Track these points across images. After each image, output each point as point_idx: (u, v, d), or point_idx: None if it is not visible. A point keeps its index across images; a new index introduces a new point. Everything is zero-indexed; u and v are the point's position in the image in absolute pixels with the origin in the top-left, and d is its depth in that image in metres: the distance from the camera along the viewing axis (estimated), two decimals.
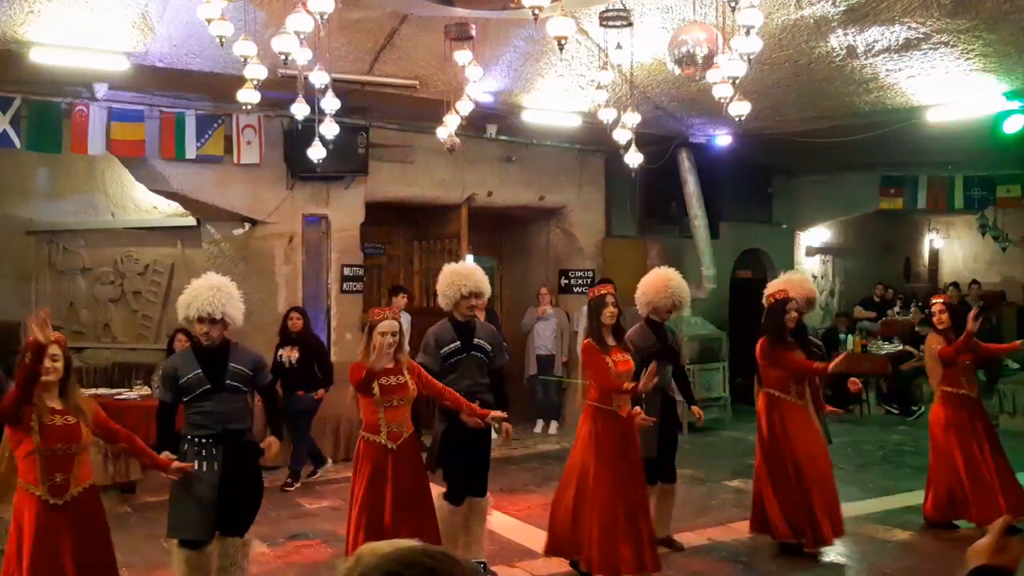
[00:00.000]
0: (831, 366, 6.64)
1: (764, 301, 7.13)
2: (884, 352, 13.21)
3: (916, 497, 8.08)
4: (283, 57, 5.42)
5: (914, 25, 7.89)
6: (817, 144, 11.01)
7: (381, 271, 12.19)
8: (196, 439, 5.26)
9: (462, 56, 7.18)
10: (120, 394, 8.97)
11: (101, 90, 8.62)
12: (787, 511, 6.71)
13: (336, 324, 10.40)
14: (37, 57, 7.56)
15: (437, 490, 6.97)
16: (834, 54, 8.53)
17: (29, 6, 7.07)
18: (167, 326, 10.43)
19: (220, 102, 8.98)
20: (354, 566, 1.47)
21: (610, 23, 7.17)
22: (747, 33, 5.33)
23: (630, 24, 7.17)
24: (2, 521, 6.91)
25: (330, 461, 9.16)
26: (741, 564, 6.63)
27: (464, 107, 7.45)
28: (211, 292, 5.32)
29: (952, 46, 8.24)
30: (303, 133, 8.33)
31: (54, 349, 4.58)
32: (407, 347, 6.05)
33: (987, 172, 13.65)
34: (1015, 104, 9.39)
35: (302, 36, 5.31)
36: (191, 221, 10.79)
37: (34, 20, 7.22)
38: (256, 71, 6.15)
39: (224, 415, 5.28)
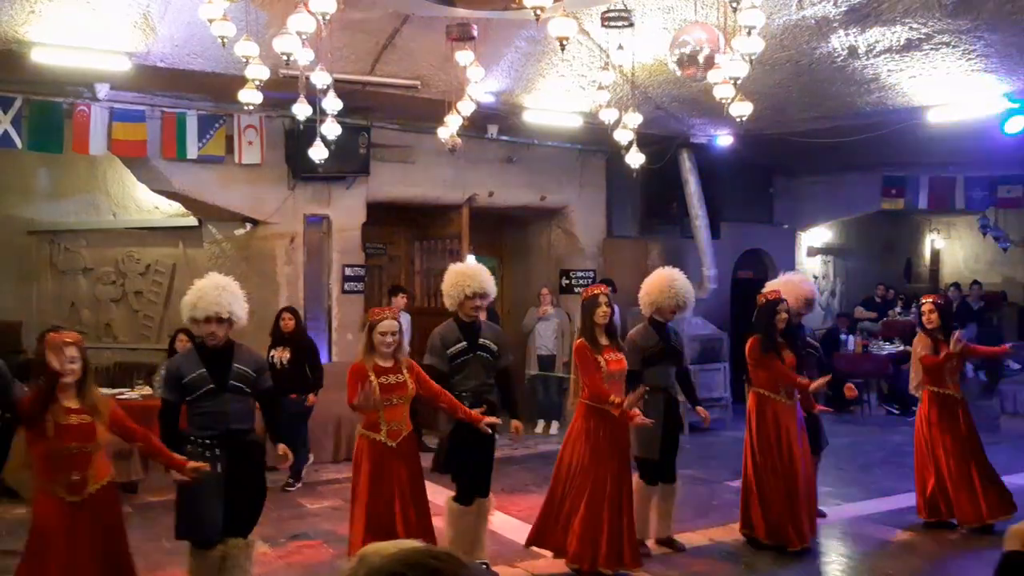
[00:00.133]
0: (813, 385, 6.79)
1: (756, 300, 7.18)
2: (885, 352, 13.21)
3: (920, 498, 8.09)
4: (285, 57, 5.42)
5: (915, 26, 7.89)
6: (818, 144, 11.01)
7: (382, 271, 12.18)
8: (200, 439, 5.25)
9: (463, 56, 7.19)
10: (121, 394, 8.95)
11: (103, 90, 8.62)
12: (769, 515, 6.77)
13: (337, 324, 10.40)
14: (38, 57, 7.56)
15: (439, 490, 6.98)
16: (835, 54, 8.53)
17: (31, 6, 7.07)
18: (168, 326, 10.44)
19: (221, 102, 8.98)
20: (358, 566, 1.47)
21: (611, 23, 7.17)
22: (748, 33, 5.33)
23: (631, 24, 7.17)
24: (3, 521, 6.95)
25: (311, 457, 9.08)
26: (743, 565, 6.63)
27: (465, 107, 7.46)
28: (217, 291, 5.32)
29: (953, 47, 8.24)
30: (304, 133, 8.34)
31: (72, 351, 4.65)
32: (407, 346, 6.08)
33: (988, 173, 13.65)
34: (1016, 105, 9.39)
35: (304, 36, 5.31)
36: (192, 221, 10.80)
37: (35, 20, 7.22)
38: (258, 71, 6.16)
39: (228, 415, 5.27)
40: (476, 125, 9.30)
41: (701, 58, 5.84)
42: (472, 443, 6.06)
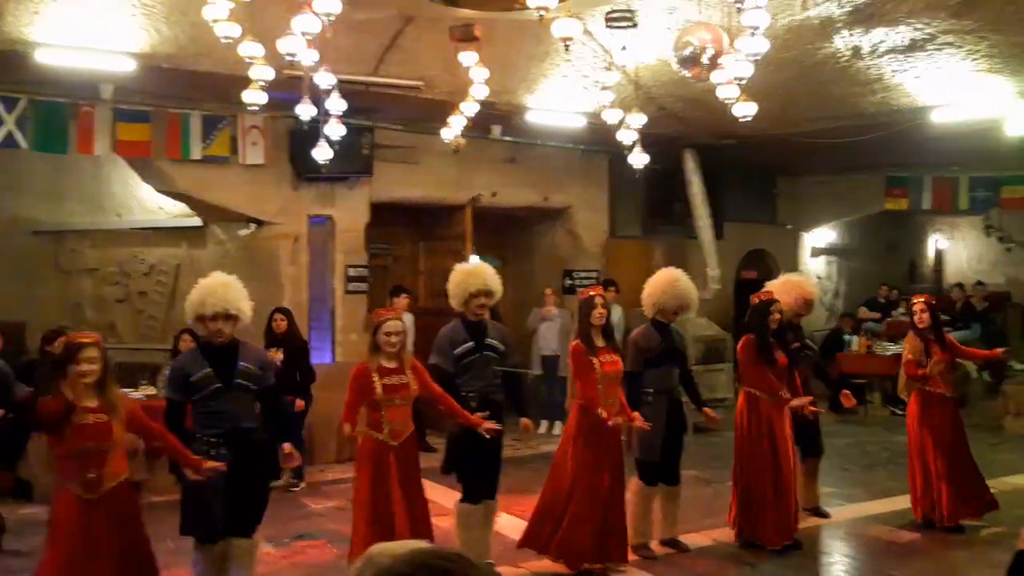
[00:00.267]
0: (793, 403, 6.83)
1: (750, 301, 7.23)
2: (889, 353, 13.18)
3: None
4: (289, 58, 5.43)
5: (919, 26, 7.89)
6: (822, 145, 11.01)
7: (386, 272, 12.19)
8: (206, 438, 5.26)
9: (467, 57, 7.19)
10: (125, 394, 8.97)
11: (107, 91, 8.63)
12: (750, 513, 6.85)
13: (341, 324, 10.40)
14: (43, 58, 7.58)
15: (445, 491, 6.99)
16: (839, 55, 8.52)
17: (34, 7, 7.09)
18: (172, 326, 10.44)
19: (225, 103, 8.99)
20: (364, 567, 1.47)
21: (615, 24, 7.17)
22: (753, 34, 5.32)
23: (635, 25, 7.17)
24: (9, 521, 6.95)
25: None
26: (747, 565, 6.63)
27: (469, 108, 7.46)
28: (223, 288, 5.34)
29: (957, 47, 8.23)
30: (308, 134, 8.34)
31: (92, 351, 4.71)
32: (410, 347, 6.09)
33: (992, 173, 13.62)
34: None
35: (308, 37, 5.32)
36: (197, 222, 10.81)
37: (39, 21, 7.24)
38: (262, 72, 6.17)
39: (234, 414, 5.28)
40: (479, 125, 9.30)
41: (705, 58, 5.84)
42: (477, 444, 6.06)
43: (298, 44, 5.37)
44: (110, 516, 4.70)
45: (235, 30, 5.58)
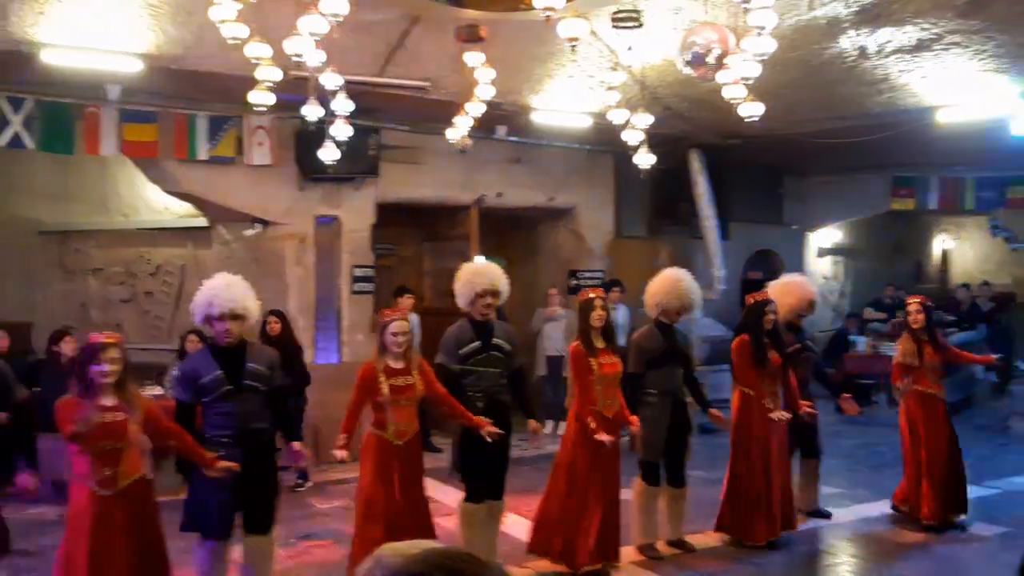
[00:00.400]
0: (774, 415, 6.84)
1: (746, 301, 7.29)
2: (895, 353, 13.14)
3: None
4: (296, 59, 5.43)
5: (926, 26, 7.87)
6: (828, 145, 10.98)
7: (391, 272, 12.19)
8: (217, 439, 5.28)
9: (473, 57, 7.19)
10: None
11: (113, 91, 8.64)
12: (738, 510, 6.92)
13: (347, 325, 10.40)
14: (48, 58, 7.59)
15: (449, 491, 6.99)
16: (846, 55, 8.51)
17: (40, 7, 7.10)
18: (178, 327, 10.45)
19: (232, 103, 8.99)
20: (374, 567, 1.47)
21: (621, 24, 7.16)
22: (759, 34, 5.31)
23: (641, 25, 7.16)
24: (16, 521, 6.96)
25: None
26: (753, 565, 6.62)
27: (475, 108, 7.46)
28: (230, 288, 5.36)
29: (964, 47, 8.21)
30: (314, 134, 8.35)
31: (113, 352, 4.77)
32: (416, 347, 6.10)
33: (998, 173, 13.59)
34: None
35: (315, 38, 5.32)
36: (203, 222, 10.82)
37: (45, 21, 7.25)
38: (269, 73, 6.17)
39: (244, 415, 5.30)
40: (485, 126, 9.30)
41: (711, 58, 5.84)
42: (482, 445, 6.06)
43: (305, 45, 5.38)
44: (126, 513, 4.76)
45: (242, 31, 5.58)
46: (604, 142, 11.14)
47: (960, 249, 18.17)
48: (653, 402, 6.69)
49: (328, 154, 7.81)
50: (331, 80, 6.57)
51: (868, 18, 7.84)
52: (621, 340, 10.38)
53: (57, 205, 11.55)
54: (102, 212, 11.56)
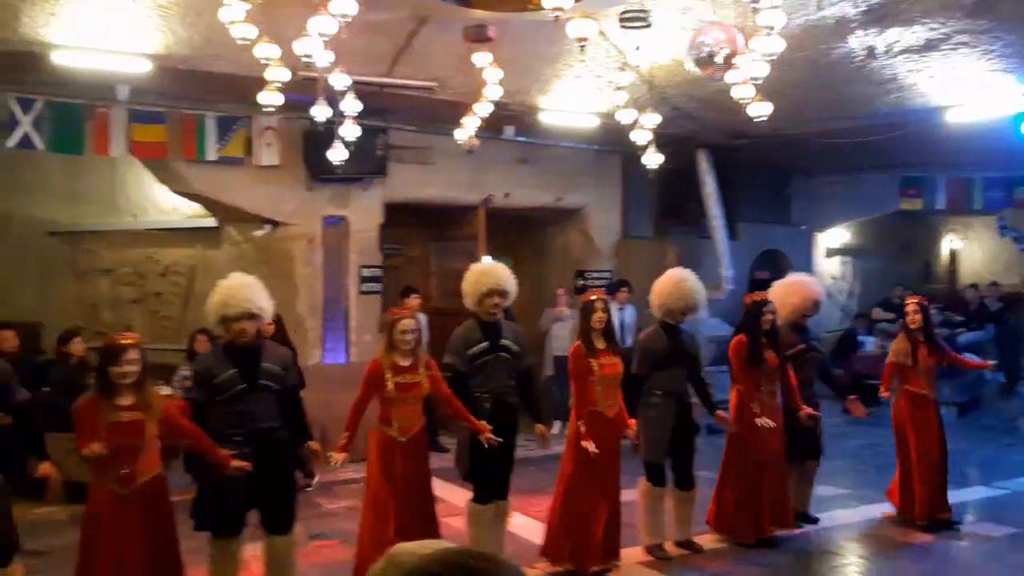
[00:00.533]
0: (759, 421, 6.84)
1: (744, 301, 7.32)
2: None
3: None
4: (305, 59, 5.45)
5: (934, 26, 7.86)
6: (836, 145, 10.97)
7: (398, 272, 12.21)
8: (230, 438, 5.30)
9: (481, 58, 7.20)
10: None
11: (123, 92, 8.67)
12: (726, 508, 6.99)
13: (355, 325, 10.42)
14: (59, 59, 7.62)
15: (456, 491, 7.00)
16: (854, 55, 8.49)
17: (51, 8, 7.13)
18: (188, 326, 10.48)
19: (241, 104, 9.02)
20: (387, 566, 1.47)
21: (629, 24, 7.16)
22: (768, 34, 5.31)
23: (649, 25, 7.16)
24: (23, 521, 6.99)
25: None
26: (760, 566, 6.62)
27: (482, 108, 7.47)
28: (245, 288, 5.40)
29: (972, 47, 8.20)
30: (323, 135, 8.36)
31: (133, 353, 4.87)
32: (424, 346, 6.13)
33: (1007, 173, 13.55)
34: None
35: (324, 39, 5.33)
36: (212, 222, 10.85)
37: (55, 22, 7.28)
38: (278, 73, 6.19)
39: (258, 414, 5.34)
40: (492, 126, 9.32)
41: (720, 58, 5.84)
42: (490, 445, 6.08)
43: (314, 45, 5.39)
44: (142, 509, 4.85)
45: (251, 31, 5.60)
46: (612, 142, 11.15)
47: (968, 249, 18.11)
48: (658, 403, 6.70)
49: (336, 154, 7.83)
50: (340, 80, 6.59)
51: (876, 18, 7.83)
52: (629, 341, 10.41)
53: (67, 206, 11.59)
54: (112, 213, 11.60)
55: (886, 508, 8.07)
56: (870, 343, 13.40)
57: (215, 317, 5.40)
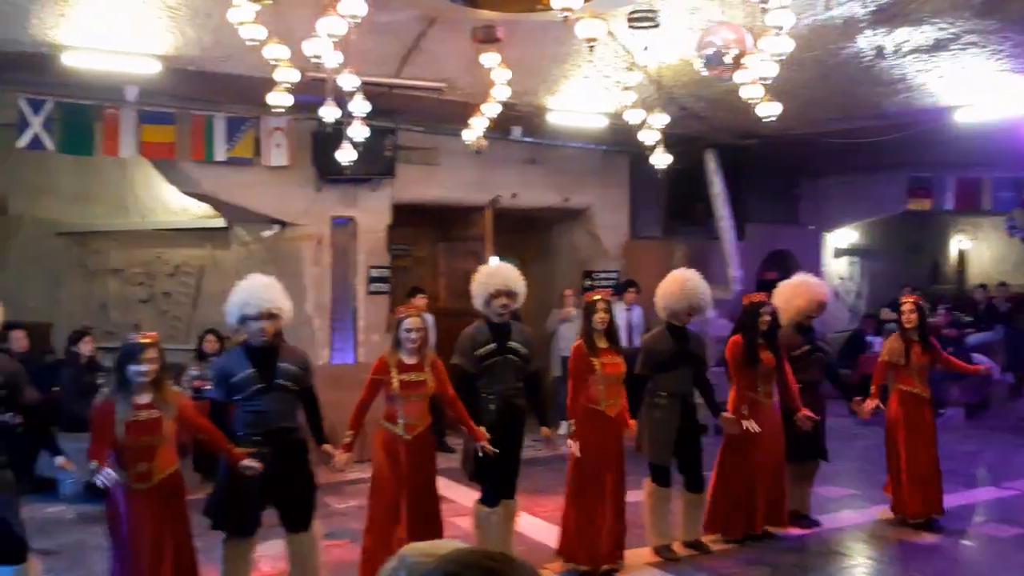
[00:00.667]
0: (751, 426, 6.85)
1: (743, 302, 7.34)
2: None
3: (944, 500, 8.03)
4: (315, 60, 5.46)
5: (943, 26, 7.84)
6: (844, 145, 10.96)
7: (406, 272, 12.22)
8: (248, 438, 5.35)
9: (489, 58, 7.21)
10: None
11: (132, 93, 8.70)
12: (719, 506, 7.00)
13: (363, 325, 10.44)
14: (68, 60, 7.64)
15: (463, 491, 7.01)
16: (863, 54, 8.48)
17: (60, 9, 7.15)
18: (197, 327, 10.51)
19: (249, 105, 9.04)
20: (398, 566, 1.47)
21: (637, 24, 7.16)
22: (778, 33, 5.31)
23: (657, 25, 7.16)
24: (33, 521, 7.02)
25: None
26: (768, 567, 6.62)
27: (490, 109, 7.48)
28: (265, 288, 5.46)
29: (981, 47, 8.18)
30: (331, 136, 8.38)
31: (152, 352, 4.93)
32: (431, 346, 6.15)
33: (1016, 173, 13.50)
34: None
35: (333, 39, 5.34)
36: (220, 223, 10.88)
37: (65, 23, 7.30)
38: (288, 74, 6.20)
39: (275, 414, 5.39)
40: (500, 127, 9.32)
41: (728, 58, 5.83)
42: (497, 445, 6.09)
43: (323, 46, 5.40)
44: (159, 505, 4.92)
45: (260, 32, 5.62)
46: (619, 142, 11.15)
47: (977, 249, 18.08)
48: (663, 405, 6.70)
49: (345, 155, 7.84)
50: (348, 81, 6.60)
51: (885, 18, 7.81)
52: (637, 341, 10.40)
53: (76, 206, 11.63)
54: (121, 213, 11.63)
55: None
56: (879, 344, 13.33)
57: (235, 316, 5.44)
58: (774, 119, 6.33)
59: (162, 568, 4.91)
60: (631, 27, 7.22)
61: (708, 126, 10.99)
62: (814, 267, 13.58)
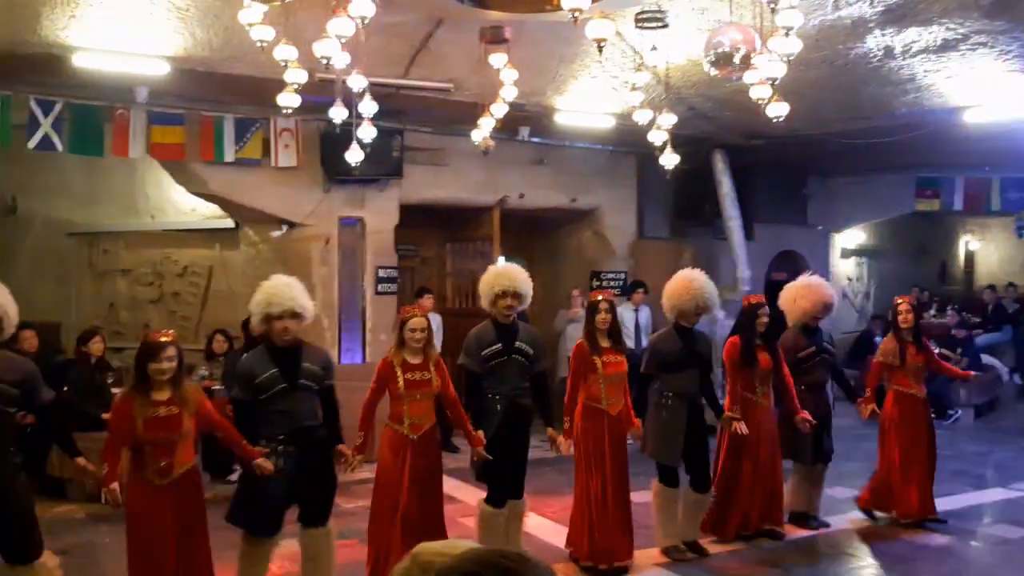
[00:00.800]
0: (739, 428, 6.82)
1: (742, 303, 7.40)
2: None
3: (953, 501, 8.05)
4: (324, 61, 5.47)
5: (952, 26, 7.82)
6: (853, 145, 10.93)
7: (413, 273, 12.24)
8: (272, 437, 5.38)
9: (497, 59, 7.21)
10: None
11: (142, 94, 8.72)
12: (715, 506, 7.02)
13: (371, 325, 10.45)
14: (79, 61, 7.67)
15: (471, 491, 7.01)
16: (871, 55, 8.46)
17: (71, 11, 7.17)
18: (205, 327, 10.54)
19: (258, 105, 9.06)
20: (411, 566, 1.48)
21: (645, 24, 7.16)
22: (787, 34, 5.30)
23: (665, 25, 7.16)
24: (43, 520, 7.04)
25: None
26: (776, 567, 6.61)
27: (498, 109, 7.48)
28: (287, 288, 5.50)
29: (990, 47, 8.16)
30: (339, 136, 8.39)
31: (171, 350, 5.00)
32: (437, 346, 6.18)
33: None
34: None
35: (342, 40, 5.35)
36: (229, 223, 10.90)
37: (75, 25, 7.33)
38: (297, 75, 6.22)
39: (297, 414, 5.43)
40: (508, 127, 9.32)
41: (737, 59, 5.82)
42: (503, 446, 6.10)
43: (332, 47, 5.41)
44: (177, 500, 4.98)
45: (269, 33, 5.63)
46: (627, 143, 11.15)
47: (985, 250, 18.03)
48: (670, 405, 6.70)
49: (353, 156, 7.85)
50: (356, 82, 6.61)
51: (894, 18, 7.79)
52: (645, 342, 10.40)
53: (86, 207, 11.66)
54: (130, 213, 11.66)
55: None
56: None
57: (259, 316, 5.47)
58: (782, 119, 6.33)
59: (179, 563, 4.95)
60: (639, 27, 7.22)
61: (716, 126, 10.98)
62: (822, 268, 13.56)
